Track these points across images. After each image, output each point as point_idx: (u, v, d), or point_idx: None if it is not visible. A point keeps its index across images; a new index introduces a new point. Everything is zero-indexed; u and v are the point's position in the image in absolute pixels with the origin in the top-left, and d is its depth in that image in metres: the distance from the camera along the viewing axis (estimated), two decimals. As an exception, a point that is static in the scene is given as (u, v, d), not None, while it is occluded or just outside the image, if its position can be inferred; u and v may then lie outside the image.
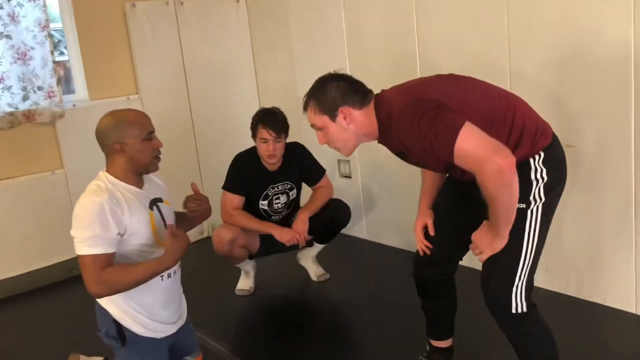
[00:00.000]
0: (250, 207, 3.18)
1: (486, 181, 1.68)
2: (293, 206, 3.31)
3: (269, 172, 3.17)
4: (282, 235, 3.09)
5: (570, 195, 2.63)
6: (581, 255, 2.84)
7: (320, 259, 3.50)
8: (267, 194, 3.19)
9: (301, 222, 3.13)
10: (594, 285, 2.81)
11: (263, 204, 3.20)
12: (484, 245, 1.87)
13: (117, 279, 1.83)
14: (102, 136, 1.93)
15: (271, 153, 3.06)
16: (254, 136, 3.11)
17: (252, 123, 3.12)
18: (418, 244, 2.19)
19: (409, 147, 1.82)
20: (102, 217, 1.81)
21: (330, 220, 3.26)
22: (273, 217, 3.26)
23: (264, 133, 3.03)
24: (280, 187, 3.21)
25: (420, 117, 1.74)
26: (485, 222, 1.86)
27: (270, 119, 3.05)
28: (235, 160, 3.22)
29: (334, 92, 1.87)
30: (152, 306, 1.97)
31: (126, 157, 1.91)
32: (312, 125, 1.94)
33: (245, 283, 3.38)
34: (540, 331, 1.94)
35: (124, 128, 1.90)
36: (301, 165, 3.25)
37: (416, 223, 2.20)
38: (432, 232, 2.15)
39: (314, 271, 3.46)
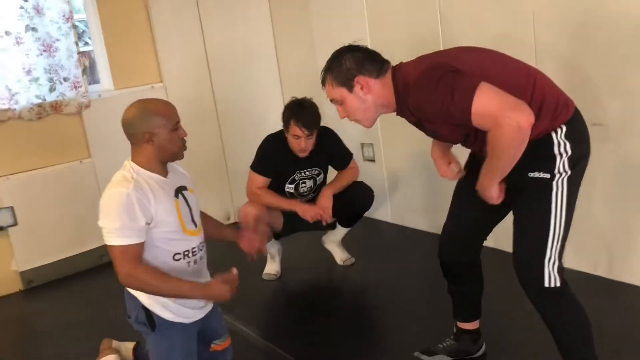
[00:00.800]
0: (277, 189, 3.20)
1: (500, 136, 1.67)
2: (319, 189, 3.32)
3: (297, 158, 3.17)
4: (305, 211, 3.10)
5: (598, 174, 2.59)
6: (610, 235, 2.79)
7: (345, 242, 3.50)
8: (294, 178, 3.20)
9: (325, 199, 3.13)
10: (624, 266, 2.76)
11: (289, 187, 3.22)
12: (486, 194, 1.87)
13: (149, 281, 1.86)
14: (130, 126, 1.94)
15: (302, 149, 3.07)
16: (285, 129, 3.08)
17: (284, 116, 3.07)
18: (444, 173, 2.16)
19: (427, 115, 1.81)
20: (129, 207, 1.84)
21: (354, 202, 3.26)
22: (299, 199, 3.27)
23: (296, 130, 3.01)
24: (307, 173, 3.22)
25: (436, 81, 1.73)
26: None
27: (303, 115, 3.00)
28: (265, 143, 3.21)
29: (349, 62, 1.86)
30: None
31: (154, 146, 1.93)
32: (332, 100, 1.95)
33: (271, 267, 3.41)
34: (574, 308, 1.92)
35: (152, 118, 1.92)
36: (330, 152, 3.24)
37: (439, 167, 2.16)
38: (460, 170, 2.13)
39: (339, 255, 3.47)
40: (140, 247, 1.87)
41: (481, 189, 1.88)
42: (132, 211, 1.84)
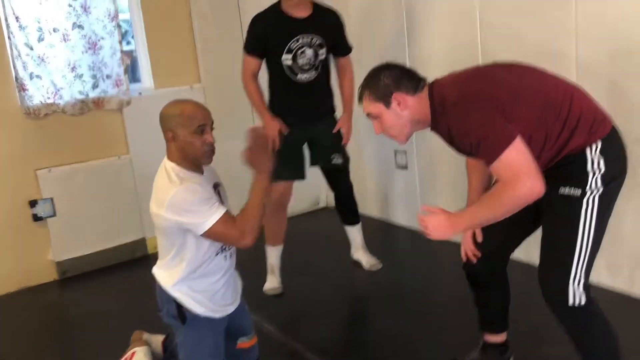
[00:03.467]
0: (275, 64, 3.01)
1: (510, 191, 1.71)
2: (322, 70, 3.08)
3: (294, 21, 2.94)
4: (269, 125, 3.03)
5: (635, 190, 2.54)
6: (647, 253, 2.73)
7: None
8: (290, 47, 2.96)
9: (346, 121, 3.20)
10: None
11: (287, 59, 2.97)
12: (434, 229, 1.88)
13: (253, 223, 1.94)
14: (160, 122, 2.01)
15: None
16: None
17: None
18: (464, 250, 2.18)
19: (454, 138, 1.84)
20: (202, 192, 1.91)
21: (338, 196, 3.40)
22: (299, 76, 3.02)
23: None
24: (306, 39, 2.97)
25: (471, 112, 1.76)
26: (446, 215, 1.88)
27: None
28: (254, 18, 3.03)
29: (387, 79, 1.89)
30: (214, 286, 2.04)
31: (177, 147, 1.97)
32: (368, 115, 1.97)
33: (272, 281, 3.25)
34: (600, 324, 1.90)
35: (177, 119, 1.96)
36: (334, 30, 3.09)
37: (466, 239, 2.18)
38: (479, 239, 2.13)
39: (366, 259, 3.47)
40: (229, 213, 1.94)
41: (444, 226, 1.85)
42: (206, 193, 1.93)
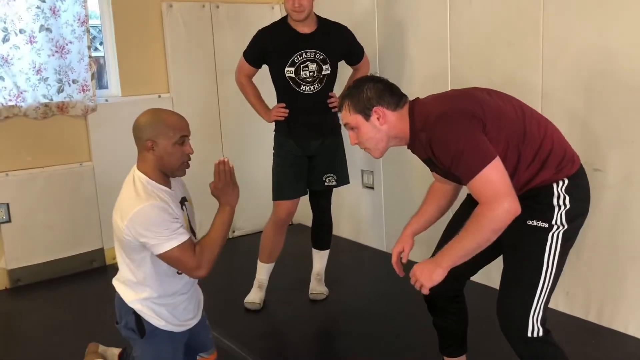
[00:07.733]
0: (279, 75, 3.06)
1: (488, 213, 1.70)
2: (326, 83, 3.09)
3: (298, 36, 3.00)
4: (268, 116, 3.13)
5: (594, 219, 2.60)
6: (603, 280, 2.79)
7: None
8: (294, 60, 3.00)
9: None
10: (615, 313, 2.77)
11: (289, 71, 3.02)
12: (423, 278, 1.85)
13: (210, 255, 1.92)
14: (138, 130, 1.96)
15: (297, 9, 2.92)
16: None
17: None
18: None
19: (436, 154, 1.83)
20: (169, 214, 1.88)
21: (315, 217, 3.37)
22: (303, 87, 3.05)
23: None
24: (309, 54, 3.01)
25: (453, 127, 1.76)
26: (427, 259, 1.88)
27: None
28: (257, 31, 3.12)
29: (370, 92, 1.90)
30: (176, 300, 2.00)
31: (155, 156, 1.94)
32: (346, 125, 1.97)
33: (256, 295, 3.25)
34: (555, 356, 1.91)
35: (159, 127, 1.93)
36: (343, 46, 3.13)
37: (395, 246, 2.19)
38: (404, 261, 2.14)
39: (313, 286, 3.36)
40: (191, 240, 1.92)
41: (429, 269, 1.84)
42: (172, 216, 1.88)
